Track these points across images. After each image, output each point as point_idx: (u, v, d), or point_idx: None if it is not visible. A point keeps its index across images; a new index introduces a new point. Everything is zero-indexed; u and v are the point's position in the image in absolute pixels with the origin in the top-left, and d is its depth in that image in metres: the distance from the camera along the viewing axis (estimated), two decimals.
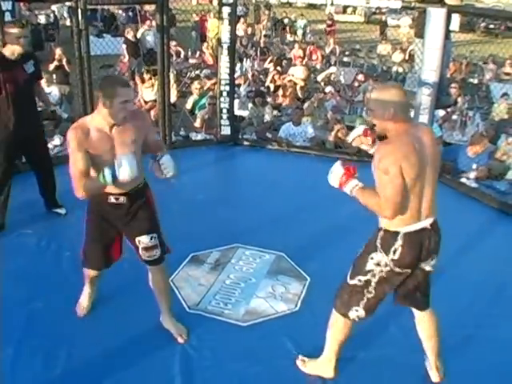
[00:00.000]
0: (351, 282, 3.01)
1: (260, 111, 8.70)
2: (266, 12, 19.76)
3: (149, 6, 14.94)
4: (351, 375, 3.30)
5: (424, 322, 3.16)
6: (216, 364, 3.36)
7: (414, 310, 3.17)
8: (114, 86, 2.92)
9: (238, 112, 8.33)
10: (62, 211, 5.11)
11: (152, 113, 8.82)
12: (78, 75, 6.12)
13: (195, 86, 9.31)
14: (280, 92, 10.04)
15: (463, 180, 6.20)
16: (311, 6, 19.23)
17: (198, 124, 8.25)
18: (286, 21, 19.31)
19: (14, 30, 4.47)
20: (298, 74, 11.03)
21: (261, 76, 11.74)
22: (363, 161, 6.75)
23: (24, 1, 7.84)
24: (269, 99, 9.58)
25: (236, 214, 5.14)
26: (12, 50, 4.51)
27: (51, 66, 9.63)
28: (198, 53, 13.81)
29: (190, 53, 13.72)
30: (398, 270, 2.88)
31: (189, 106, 9.09)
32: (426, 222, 2.88)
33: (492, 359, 3.49)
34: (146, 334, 3.59)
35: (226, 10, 6.76)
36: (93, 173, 3.08)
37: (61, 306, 3.80)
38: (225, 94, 7.17)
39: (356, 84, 11.16)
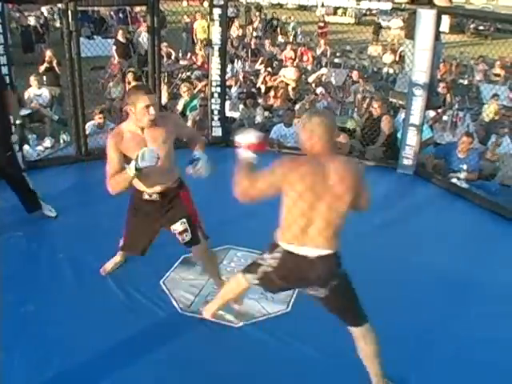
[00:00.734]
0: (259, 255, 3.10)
1: (251, 112, 8.69)
2: (257, 13, 19.75)
3: (139, 8, 14.92)
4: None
5: (357, 340, 3.06)
6: (208, 365, 3.36)
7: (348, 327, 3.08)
8: (136, 93, 3.32)
9: (229, 113, 8.32)
10: (53, 214, 5.08)
11: None
12: (69, 77, 6.12)
13: (183, 89, 9.27)
14: (271, 93, 10.03)
15: (454, 180, 6.23)
16: (302, 8, 19.28)
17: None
18: (275, 22, 19.31)
19: None
20: (289, 75, 11.03)
21: (252, 77, 11.73)
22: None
23: (13, 2, 7.80)
24: (260, 100, 9.58)
25: (227, 215, 5.14)
26: None
27: (41, 68, 9.58)
28: (189, 54, 13.79)
29: (180, 54, 13.70)
30: (273, 276, 2.96)
31: (180, 107, 9.07)
32: (312, 252, 2.84)
33: (486, 359, 3.52)
34: (138, 336, 3.58)
35: (216, 12, 6.76)
36: None
37: (53, 308, 3.79)
38: (216, 95, 7.17)
39: (350, 82, 11.20)
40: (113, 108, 9.13)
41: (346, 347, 3.31)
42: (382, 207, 5.60)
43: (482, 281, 4.36)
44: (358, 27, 19.61)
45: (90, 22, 16.47)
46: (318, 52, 14.90)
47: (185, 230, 3.62)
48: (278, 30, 18.61)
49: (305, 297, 4.02)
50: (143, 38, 12.02)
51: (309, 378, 3.31)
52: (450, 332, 3.76)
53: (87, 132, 6.66)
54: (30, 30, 14.28)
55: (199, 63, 12.49)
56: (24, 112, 8.02)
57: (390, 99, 9.22)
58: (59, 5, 5.96)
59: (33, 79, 8.79)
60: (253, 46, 14.74)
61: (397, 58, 14.16)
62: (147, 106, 3.28)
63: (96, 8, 15.38)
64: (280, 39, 17.14)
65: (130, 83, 9.48)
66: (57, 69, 9.59)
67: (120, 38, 11.93)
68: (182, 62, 12.90)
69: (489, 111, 9.09)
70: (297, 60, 13.40)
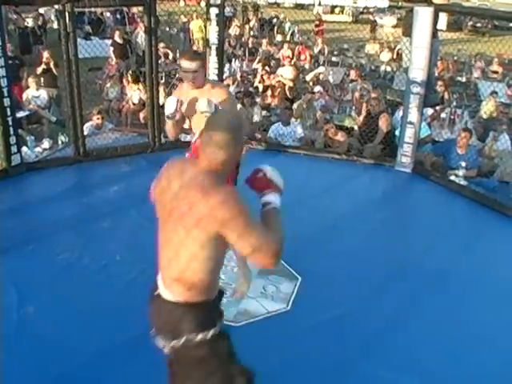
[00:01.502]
0: None
1: (249, 112, 8.69)
2: (254, 13, 19.75)
3: (136, 9, 14.92)
4: None
5: None
6: None
7: None
8: (180, 57, 3.95)
9: None
10: None
11: (141, 115, 8.81)
12: (66, 78, 6.11)
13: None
14: (269, 92, 10.04)
15: (452, 178, 6.23)
16: (299, 6, 19.26)
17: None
18: (274, 21, 19.32)
19: None
20: (286, 74, 11.03)
21: (249, 76, 11.73)
22: (352, 160, 6.80)
23: (11, 4, 7.79)
24: (258, 99, 9.58)
25: None
26: None
27: (39, 70, 9.58)
28: None
29: (178, 54, 13.69)
30: None
31: None
32: (159, 286, 2.29)
33: (487, 359, 3.52)
34: (139, 336, 3.57)
35: (213, 11, 6.75)
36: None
37: (52, 309, 3.78)
38: None
39: (348, 80, 11.20)
40: (111, 108, 9.14)
41: (345, 345, 3.33)
42: (380, 205, 5.61)
43: (482, 278, 4.36)
44: (356, 25, 19.64)
45: (87, 23, 16.48)
46: (316, 50, 14.90)
47: None
48: (275, 28, 18.63)
49: (305, 295, 4.05)
50: (141, 38, 12.03)
51: (310, 377, 3.31)
52: (451, 332, 3.76)
53: (85, 133, 6.65)
54: (27, 31, 14.28)
55: None
56: (22, 113, 8.03)
57: (388, 97, 9.23)
58: (56, 6, 5.93)
59: (31, 81, 8.80)
60: (250, 45, 14.74)
61: (394, 56, 14.18)
62: (185, 71, 3.72)
63: (93, 9, 15.37)
64: (278, 38, 17.14)
65: (129, 83, 9.51)
66: (54, 70, 9.58)
67: (117, 38, 11.95)
68: (179, 62, 12.90)
69: (487, 108, 9.11)
70: (294, 59, 13.41)
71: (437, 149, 7.08)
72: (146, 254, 3.79)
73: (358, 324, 3.72)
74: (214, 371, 2.24)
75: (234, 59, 12.98)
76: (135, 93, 9.25)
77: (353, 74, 11.15)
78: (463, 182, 6.14)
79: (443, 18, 6.35)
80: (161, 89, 8.06)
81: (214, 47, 6.91)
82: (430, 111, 8.53)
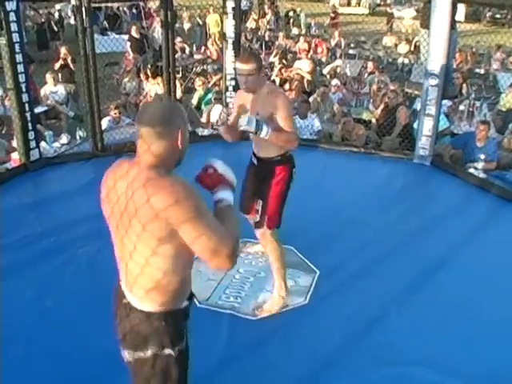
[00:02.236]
0: None
1: None
2: (270, 6, 19.68)
3: (152, 3, 14.95)
4: None
5: None
6: (227, 358, 3.36)
7: None
8: (235, 60, 4.11)
9: None
10: None
11: None
12: (84, 73, 6.14)
13: (198, 82, 9.30)
14: (286, 85, 10.01)
15: (471, 171, 6.18)
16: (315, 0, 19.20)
17: (204, 119, 8.24)
18: (291, 14, 19.23)
19: None
20: (303, 67, 10.98)
21: (266, 70, 11.70)
22: (371, 153, 6.76)
23: (28, 0, 7.84)
24: None
25: None
26: None
27: (57, 65, 9.66)
28: (202, 48, 13.79)
29: (194, 48, 13.71)
30: None
31: (194, 101, 9.09)
32: (126, 294, 2.18)
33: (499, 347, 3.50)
34: None
35: (229, 5, 6.76)
36: None
37: (70, 304, 3.80)
38: (230, 88, 7.17)
39: (365, 73, 11.13)
40: (128, 103, 9.16)
41: (363, 337, 3.32)
42: (399, 198, 5.58)
43: (499, 271, 4.32)
44: (373, 18, 19.51)
45: (103, 19, 16.54)
46: (333, 43, 14.82)
47: (257, 211, 3.75)
48: (291, 21, 18.56)
49: (323, 288, 4.04)
50: (157, 33, 12.07)
51: (327, 369, 3.30)
52: (481, 328, 3.73)
53: (103, 128, 6.69)
54: (44, 27, 14.38)
55: (214, 57, 12.50)
56: (40, 109, 8.09)
57: (406, 89, 9.15)
58: (73, 1, 5.95)
59: (49, 76, 8.86)
60: (267, 39, 14.71)
61: (412, 48, 14.06)
62: (240, 74, 3.52)
63: (109, 4, 15.43)
64: (294, 31, 17.07)
65: (147, 78, 9.55)
66: (71, 65, 9.66)
67: (134, 33, 11.99)
68: (196, 56, 12.92)
69: (506, 100, 8.99)
70: (311, 52, 13.35)
71: (455, 141, 7.02)
72: None
73: (378, 318, 3.71)
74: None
75: None
76: (153, 87, 9.27)
77: (370, 67, 11.07)
78: (482, 175, 6.08)
79: (461, 8, 6.28)
80: (177, 83, 8.08)
81: (230, 41, 6.91)
82: (448, 103, 8.45)
